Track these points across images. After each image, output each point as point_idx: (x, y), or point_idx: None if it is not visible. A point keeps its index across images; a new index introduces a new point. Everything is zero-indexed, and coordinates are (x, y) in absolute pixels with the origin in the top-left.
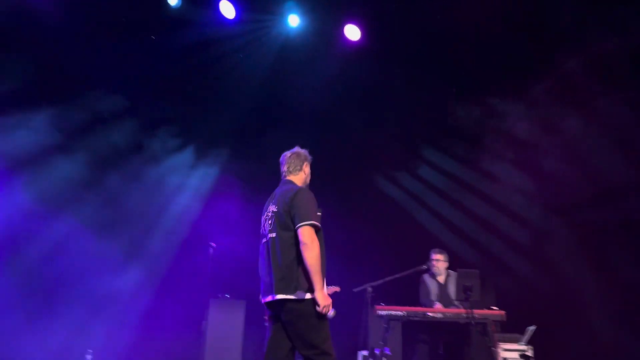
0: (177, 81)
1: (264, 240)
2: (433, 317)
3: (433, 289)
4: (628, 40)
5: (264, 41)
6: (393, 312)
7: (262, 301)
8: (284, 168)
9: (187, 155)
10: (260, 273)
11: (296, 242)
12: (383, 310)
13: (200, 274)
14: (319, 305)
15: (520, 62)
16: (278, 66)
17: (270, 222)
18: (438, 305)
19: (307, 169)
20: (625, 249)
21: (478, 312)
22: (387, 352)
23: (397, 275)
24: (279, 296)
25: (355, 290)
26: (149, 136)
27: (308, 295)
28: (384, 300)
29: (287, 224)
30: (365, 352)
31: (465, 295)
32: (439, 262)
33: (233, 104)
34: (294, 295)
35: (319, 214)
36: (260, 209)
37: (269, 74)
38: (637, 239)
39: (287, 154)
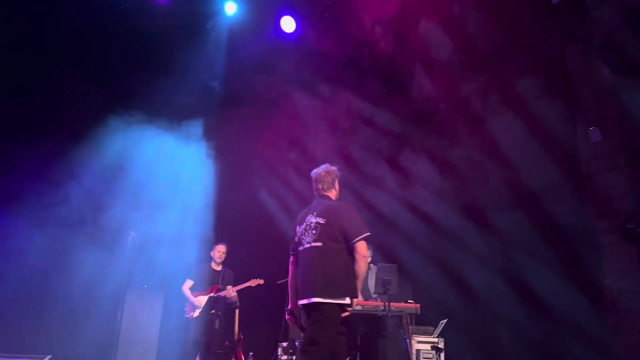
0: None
1: (302, 247)
2: (352, 309)
3: None
4: (547, 53)
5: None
6: None
7: (299, 303)
8: (318, 186)
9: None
10: (299, 276)
11: (342, 252)
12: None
13: (117, 263)
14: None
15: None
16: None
17: (314, 232)
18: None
19: (337, 185)
20: (533, 251)
21: (395, 305)
22: None
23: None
24: (318, 299)
25: (278, 282)
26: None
27: (347, 300)
28: None
29: (336, 236)
30: (285, 344)
31: (383, 288)
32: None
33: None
34: (337, 300)
35: None
36: (189, 195)
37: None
38: (545, 240)
39: (320, 172)
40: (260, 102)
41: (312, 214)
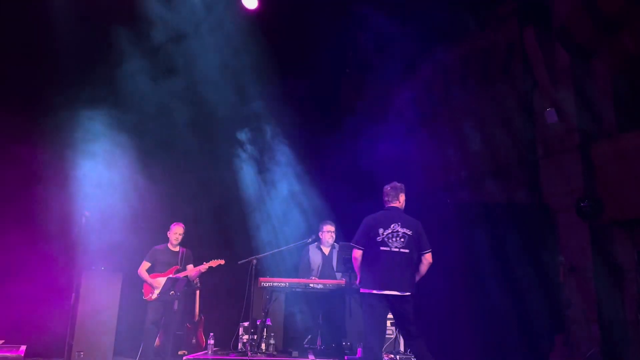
0: None
1: (387, 249)
2: (314, 287)
3: (317, 259)
4: (505, 36)
5: None
6: (276, 284)
7: (382, 292)
8: (387, 198)
9: None
10: (380, 271)
11: (416, 259)
12: (266, 282)
13: (73, 244)
14: None
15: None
16: None
17: (402, 240)
18: (314, 278)
19: (402, 197)
20: (491, 229)
21: (356, 283)
22: (269, 322)
23: (283, 248)
24: (405, 293)
25: (240, 262)
26: None
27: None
28: (271, 273)
29: (415, 246)
30: (246, 324)
31: (345, 266)
32: (329, 233)
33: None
34: (410, 293)
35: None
36: (146, 174)
37: None
38: (501, 218)
39: (387, 187)
40: None
41: (397, 223)
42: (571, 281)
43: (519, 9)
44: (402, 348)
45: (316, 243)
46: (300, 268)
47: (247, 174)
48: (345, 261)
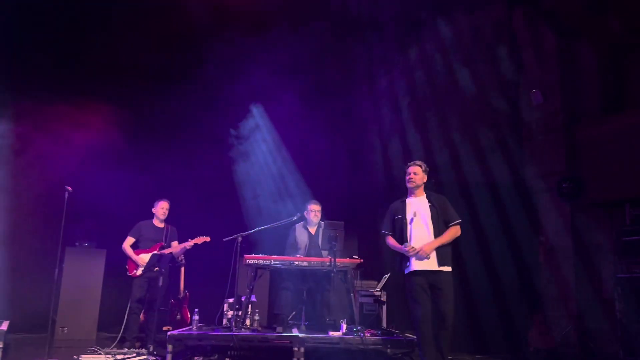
0: None
1: None
2: (299, 265)
3: (303, 238)
4: (493, 16)
5: None
6: (261, 261)
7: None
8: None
9: None
10: None
11: None
12: (252, 260)
13: (56, 219)
14: None
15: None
16: None
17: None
18: (300, 255)
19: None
20: (475, 208)
21: (340, 261)
22: (253, 299)
23: (268, 226)
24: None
25: (225, 239)
26: None
27: None
28: (257, 250)
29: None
30: (231, 300)
31: (330, 244)
32: (317, 212)
33: None
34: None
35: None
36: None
37: None
38: (486, 198)
39: None
40: None
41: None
42: (550, 261)
43: None
44: (384, 324)
45: (303, 222)
46: (287, 246)
47: (234, 151)
48: (331, 239)
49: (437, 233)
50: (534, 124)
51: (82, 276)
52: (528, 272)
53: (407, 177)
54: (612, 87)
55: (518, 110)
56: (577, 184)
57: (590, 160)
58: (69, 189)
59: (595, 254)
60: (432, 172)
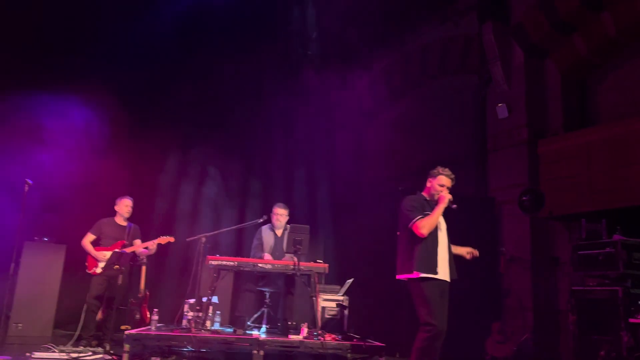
0: None
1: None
2: (262, 267)
3: (269, 241)
4: (464, 29)
5: None
6: (224, 262)
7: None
8: None
9: None
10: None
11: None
12: (215, 260)
13: (14, 213)
14: None
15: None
16: None
17: None
18: (267, 257)
19: (427, 183)
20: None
21: (304, 265)
22: (215, 300)
23: (233, 227)
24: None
25: (188, 240)
26: None
27: None
28: (225, 251)
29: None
30: (192, 301)
31: (295, 248)
32: (281, 216)
33: None
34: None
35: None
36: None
37: None
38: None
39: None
40: None
41: None
42: (510, 271)
43: (479, 4)
44: (345, 328)
45: (269, 224)
46: (253, 248)
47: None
48: (295, 242)
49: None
50: (499, 137)
51: (39, 272)
52: (488, 282)
53: (442, 188)
54: (575, 105)
55: (484, 123)
56: (537, 197)
57: (551, 175)
58: (29, 181)
59: (553, 265)
60: (399, 181)
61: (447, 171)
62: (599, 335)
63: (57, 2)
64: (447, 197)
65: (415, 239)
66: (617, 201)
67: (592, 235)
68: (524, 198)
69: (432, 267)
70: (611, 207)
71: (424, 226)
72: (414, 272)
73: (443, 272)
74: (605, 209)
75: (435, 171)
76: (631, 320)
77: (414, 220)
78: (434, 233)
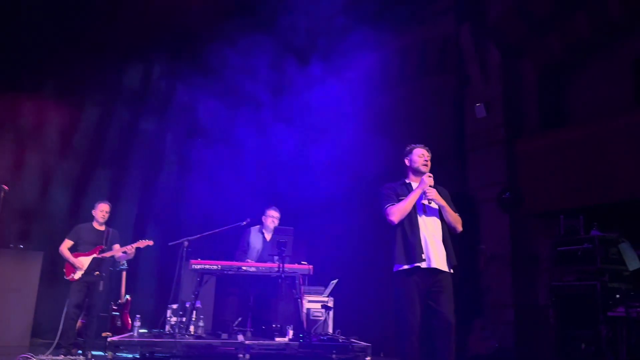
0: None
1: None
2: (246, 270)
3: (257, 244)
4: (442, 30)
5: None
6: (207, 266)
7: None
8: None
9: None
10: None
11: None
12: (198, 264)
13: None
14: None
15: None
16: None
17: None
18: (250, 260)
19: (407, 163)
20: None
21: (288, 267)
22: (198, 304)
23: (216, 230)
24: None
25: (170, 244)
26: None
27: None
28: (209, 255)
29: None
30: (174, 306)
31: (279, 250)
32: (275, 218)
33: None
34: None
35: None
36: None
37: None
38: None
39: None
40: None
41: None
42: (491, 269)
43: (455, 5)
44: (330, 330)
45: (259, 227)
46: (238, 250)
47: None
48: (279, 245)
49: None
50: (477, 136)
51: (16, 279)
52: (468, 280)
53: (422, 158)
54: (551, 104)
55: (463, 123)
56: (516, 195)
57: (529, 173)
58: (5, 187)
59: (532, 262)
60: (378, 182)
61: (418, 144)
62: (579, 329)
63: None
64: (427, 181)
65: (391, 229)
66: (594, 198)
67: (570, 231)
68: (503, 196)
69: (412, 256)
70: (588, 204)
71: (393, 212)
72: (395, 264)
73: (431, 259)
74: (582, 206)
75: (407, 149)
76: (610, 313)
77: (384, 207)
78: (411, 218)
